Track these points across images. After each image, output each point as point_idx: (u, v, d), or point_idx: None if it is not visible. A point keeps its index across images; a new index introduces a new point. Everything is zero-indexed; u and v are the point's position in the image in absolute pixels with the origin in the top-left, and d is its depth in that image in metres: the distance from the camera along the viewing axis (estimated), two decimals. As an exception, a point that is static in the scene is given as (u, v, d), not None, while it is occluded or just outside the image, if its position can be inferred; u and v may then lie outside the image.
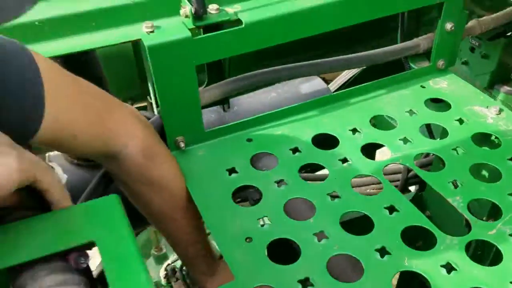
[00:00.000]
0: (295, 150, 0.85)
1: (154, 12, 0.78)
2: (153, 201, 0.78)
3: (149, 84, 0.97)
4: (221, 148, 0.87)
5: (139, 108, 1.12)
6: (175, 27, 0.75)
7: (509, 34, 1.36)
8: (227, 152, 0.86)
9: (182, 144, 0.86)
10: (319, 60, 0.95)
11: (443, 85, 1.00)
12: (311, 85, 1.16)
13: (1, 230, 0.45)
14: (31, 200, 0.49)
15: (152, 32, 0.74)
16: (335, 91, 1.20)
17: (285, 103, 1.01)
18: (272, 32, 0.82)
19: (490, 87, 1.29)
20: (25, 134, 0.57)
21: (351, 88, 0.97)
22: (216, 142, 0.89)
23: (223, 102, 0.96)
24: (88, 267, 0.46)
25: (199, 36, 0.76)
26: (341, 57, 0.98)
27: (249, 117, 0.91)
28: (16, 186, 0.45)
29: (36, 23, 0.72)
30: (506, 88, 1.35)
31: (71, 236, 0.45)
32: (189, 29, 0.75)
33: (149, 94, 1.04)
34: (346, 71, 1.32)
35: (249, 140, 0.89)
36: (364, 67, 1.20)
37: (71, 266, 0.45)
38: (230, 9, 0.80)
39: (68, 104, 0.61)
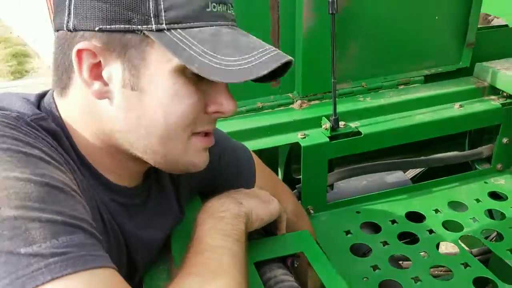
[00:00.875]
0: (393, 221, 1.20)
1: (305, 126, 1.22)
2: None
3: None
4: (338, 216, 1.25)
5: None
6: (319, 135, 1.18)
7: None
8: (343, 219, 1.23)
9: (311, 211, 1.24)
10: (410, 159, 1.33)
11: (501, 182, 1.34)
12: (395, 176, 1.54)
13: (253, 243, 0.83)
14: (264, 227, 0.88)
15: (304, 138, 1.17)
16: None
17: (375, 188, 1.38)
18: (377, 140, 1.23)
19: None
20: None
21: (433, 180, 1.34)
22: (334, 212, 1.26)
23: (332, 185, 1.35)
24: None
25: (334, 141, 1.18)
26: (424, 157, 1.36)
27: (350, 197, 1.28)
28: (274, 218, 0.84)
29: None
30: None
31: (288, 248, 0.83)
32: (327, 137, 1.17)
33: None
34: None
35: (358, 212, 1.26)
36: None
37: (288, 266, 0.82)
38: (353, 124, 1.22)
39: (262, 184, 1.01)
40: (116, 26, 0.60)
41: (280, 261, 0.83)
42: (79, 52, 0.61)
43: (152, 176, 0.80)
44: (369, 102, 1.29)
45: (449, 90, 1.36)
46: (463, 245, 1.12)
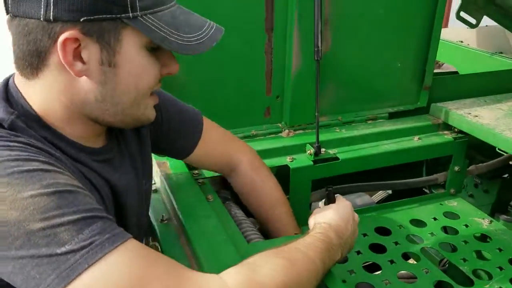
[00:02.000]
0: (364, 234, 1.41)
1: (292, 151, 1.42)
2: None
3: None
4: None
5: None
6: (304, 159, 1.39)
7: (504, 176, 1.95)
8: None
9: (296, 227, 1.43)
10: (377, 183, 1.56)
11: (454, 204, 1.58)
12: (363, 199, 1.77)
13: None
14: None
15: (292, 161, 1.38)
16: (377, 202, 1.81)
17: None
18: (352, 165, 1.45)
19: (491, 215, 1.69)
20: (183, 154, 1.15)
21: (397, 201, 1.56)
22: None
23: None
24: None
25: (317, 165, 1.39)
26: (388, 182, 1.59)
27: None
28: None
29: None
30: (504, 216, 1.87)
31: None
32: (312, 161, 1.38)
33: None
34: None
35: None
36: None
37: None
38: (331, 151, 1.44)
39: (212, 141, 1.17)
40: (99, 16, 0.71)
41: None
42: (65, 40, 0.71)
43: (116, 133, 0.95)
44: (344, 133, 1.53)
45: (409, 125, 1.61)
46: (424, 255, 1.34)
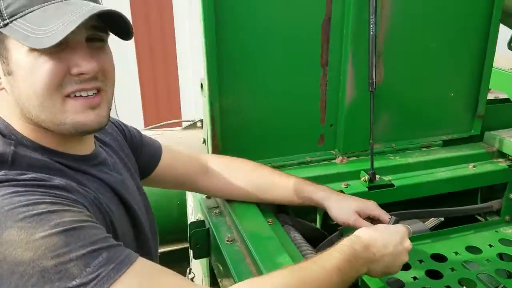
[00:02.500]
0: (420, 261, 1.43)
1: (345, 177, 1.49)
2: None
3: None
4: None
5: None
6: (359, 185, 1.45)
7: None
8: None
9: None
10: (432, 210, 1.59)
11: (509, 231, 1.58)
12: (417, 225, 1.79)
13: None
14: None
15: (347, 187, 1.44)
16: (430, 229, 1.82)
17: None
18: (407, 192, 1.49)
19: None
20: (149, 170, 1.21)
21: (452, 228, 1.58)
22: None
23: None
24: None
25: (371, 191, 1.44)
26: (443, 209, 1.61)
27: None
28: None
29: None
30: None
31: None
32: (366, 187, 1.44)
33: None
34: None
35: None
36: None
37: None
38: (386, 178, 1.49)
39: (173, 154, 1.26)
40: None
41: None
42: None
43: (97, 139, 1.02)
44: (399, 160, 1.58)
45: (464, 153, 1.64)
46: (480, 281, 1.35)
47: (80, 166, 0.90)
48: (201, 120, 2.44)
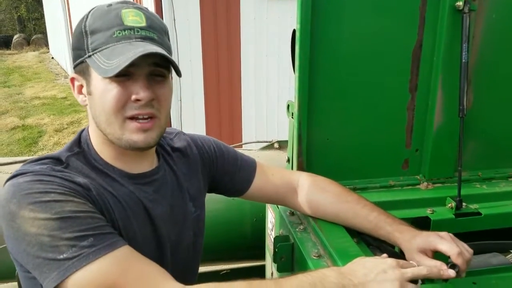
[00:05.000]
0: (507, 295, 1.39)
1: (430, 204, 1.48)
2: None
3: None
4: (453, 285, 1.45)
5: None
6: (445, 212, 1.44)
7: None
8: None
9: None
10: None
11: None
12: (498, 259, 1.72)
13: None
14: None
15: (433, 213, 1.44)
16: None
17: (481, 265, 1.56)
18: (495, 221, 1.46)
19: None
20: (243, 190, 1.33)
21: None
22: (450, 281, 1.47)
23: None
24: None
25: (458, 218, 1.43)
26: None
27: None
28: None
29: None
30: None
31: None
32: (453, 214, 1.43)
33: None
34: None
35: (474, 283, 1.45)
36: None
37: None
38: (472, 206, 1.47)
39: (265, 178, 1.36)
40: (79, 60, 1.03)
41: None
42: (72, 79, 1.09)
43: (161, 161, 1.19)
44: (485, 189, 1.55)
45: (555, 185, 1.58)
46: None
47: (122, 179, 1.09)
48: (278, 141, 2.53)
